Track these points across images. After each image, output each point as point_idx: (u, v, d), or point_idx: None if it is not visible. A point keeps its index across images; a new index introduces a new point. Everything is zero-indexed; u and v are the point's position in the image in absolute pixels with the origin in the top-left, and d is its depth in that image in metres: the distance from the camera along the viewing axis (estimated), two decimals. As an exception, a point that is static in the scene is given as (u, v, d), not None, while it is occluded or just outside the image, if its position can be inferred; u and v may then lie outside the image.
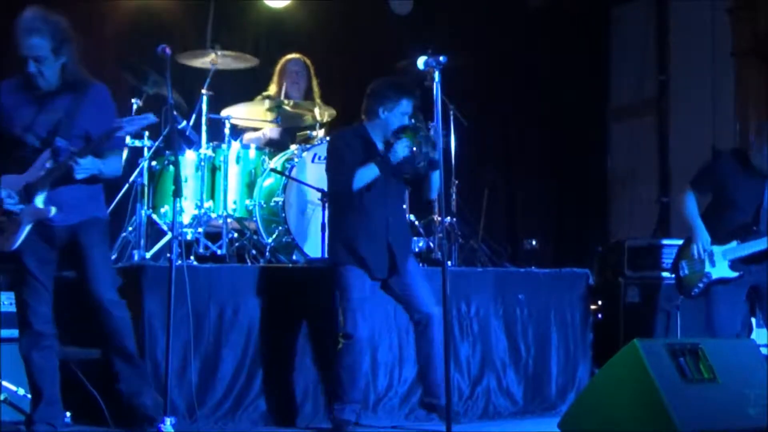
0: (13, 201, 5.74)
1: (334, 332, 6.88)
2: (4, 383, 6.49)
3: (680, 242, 7.59)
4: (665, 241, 8.75)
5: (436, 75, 6.24)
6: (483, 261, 8.46)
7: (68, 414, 6.51)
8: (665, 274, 8.42)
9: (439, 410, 6.76)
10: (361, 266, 6.67)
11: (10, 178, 5.79)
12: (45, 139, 5.83)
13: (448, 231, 7.77)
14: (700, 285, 7.26)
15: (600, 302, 8.85)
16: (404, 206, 7.09)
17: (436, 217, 7.97)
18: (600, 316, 8.77)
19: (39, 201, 5.79)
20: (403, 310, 6.99)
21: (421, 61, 6.37)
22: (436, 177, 6.78)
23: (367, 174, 6.60)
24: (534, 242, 9.53)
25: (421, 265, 7.42)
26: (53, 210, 5.79)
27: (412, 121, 6.68)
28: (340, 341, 6.65)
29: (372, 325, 6.86)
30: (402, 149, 6.63)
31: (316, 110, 8.48)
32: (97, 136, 5.83)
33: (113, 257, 7.93)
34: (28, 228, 5.79)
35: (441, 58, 6.26)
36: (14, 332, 6.81)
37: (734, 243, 7.22)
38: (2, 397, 6.53)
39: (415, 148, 6.58)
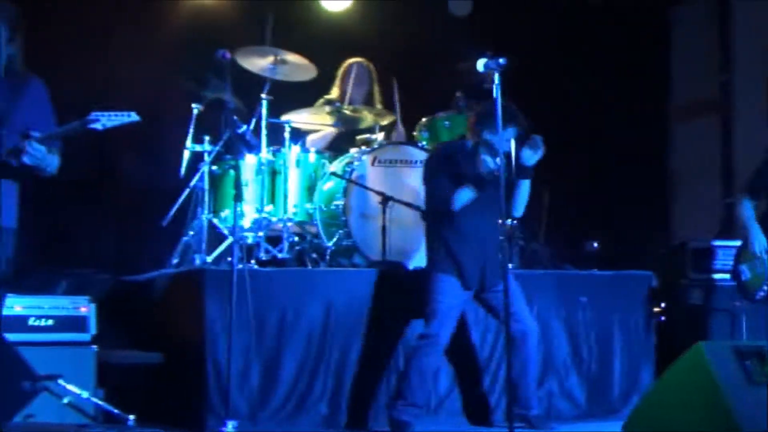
0: None
1: (397, 335, 6.88)
2: (68, 386, 6.54)
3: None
4: (728, 243, 8.64)
5: (496, 77, 6.21)
6: (544, 263, 8.41)
7: (132, 417, 6.56)
8: (728, 275, 8.31)
9: (529, 420, 6.83)
10: (457, 276, 6.72)
11: None
12: None
13: (509, 233, 7.72)
14: (765, 288, 7.18)
15: (663, 304, 8.76)
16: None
17: (498, 220, 7.93)
18: (663, 318, 8.67)
19: None
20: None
21: (480, 63, 6.34)
22: (525, 190, 6.90)
23: (466, 195, 6.70)
24: (595, 244, 9.46)
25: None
26: None
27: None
28: (419, 342, 6.65)
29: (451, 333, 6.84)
30: (486, 164, 6.72)
31: (377, 114, 8.49)
32: (68, 125, 5.70)
33: (174, 261, 7.99)
34: None
35: (501, 60, 6.22)
36: (75, 336, 6.90)
37: None
38: (65, 400, 6.58)
39: (499, 160, 6.62)
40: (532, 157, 6.76)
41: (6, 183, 5.71)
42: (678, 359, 5.95)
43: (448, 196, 6.69)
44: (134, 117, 5.80)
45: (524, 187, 6.90)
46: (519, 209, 7.04)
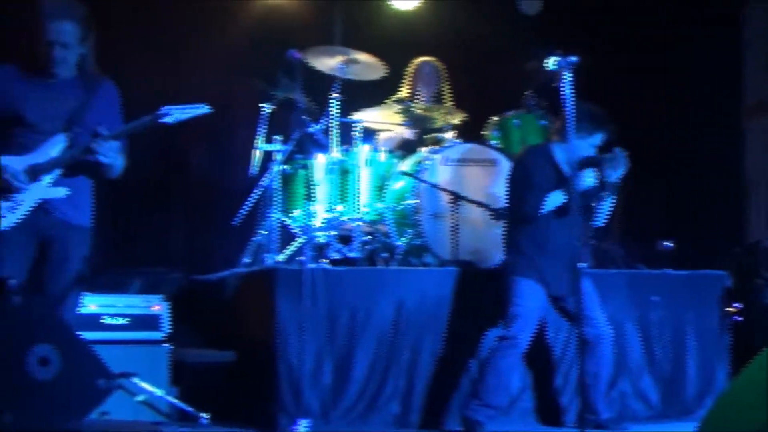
0: (22, 179, 5.57)
1: (469, 334, 6.86)
2: (142, 384, 6.60)
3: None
4: (805, 242, 8.54)
5: (567, 75, 6.17)
6: (617, 263, 8.34)
7: (205, 415, 6.60)
8: (804, 275, 8.22)
9: (600, 424, 6.79)
10: (539, 281, 6.69)
11: (11, 158, 5.60)
12: (59, 126, 5.69)
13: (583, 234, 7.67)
14: None
15: (737, 304, 8.65)
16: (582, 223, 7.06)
17: (580, 226, 7.89)
18: (737, 318, 8.57)
19: (46, 182, 5.64)
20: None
21: (551, 62, 6.30)
22: (608, 203, 6.90)
23: (554, 201, 6.67)
24: (668, 243, 9.37)
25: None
26: (63, 190, 5.65)
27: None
28: (499, 343, 6.64)
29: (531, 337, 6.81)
30: (588, 180, 6.72)
31: (447, 113, 8.48)
32: (139, 120, 5.73)
33: (246, 261, 8.03)
34: (29, 207, 5.61)
35: (571, 59, 6.19)
36: (148, 334, 6.95)
37: None
38: (140, 398, 6.64)
39: (599, 179, 6.62)
40: (613, 174, 6.75)
41: (81, 182, 5.78)
42: (753, 359, 5.86)
43: (536, 202, 6.65)
44: (205, 109, 5.82)
45: (608, 201, 6.92)
46: (600, 219, 7.05)
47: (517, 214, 6.82)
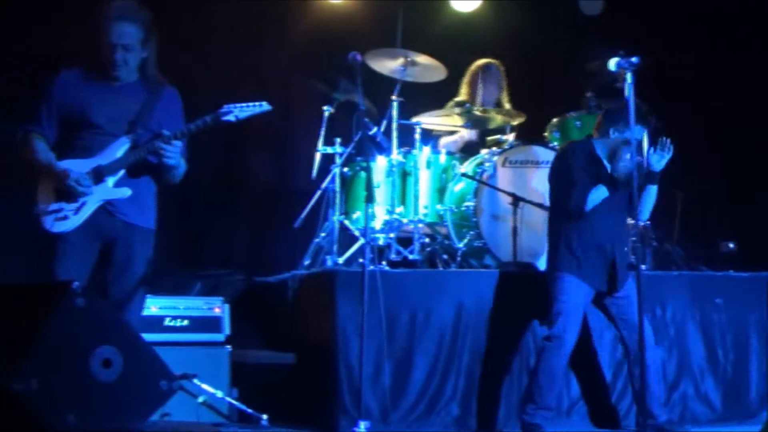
0: (87, 182, 5.62)
1: (528, 336, 6.84)
2: (203, 386, 6.63)
3: None
4: None
5: (629, 76, 6.14)
6: (678, 264, 8.28)
7: (265, 416, 6.63)
8: None
9: (660, 428, 6.71)
10: (582, 277, 6.65)
11: (75, 161, 5.67)
12: (122, 128, 5.74)
13: (642, 234, 7.63)
14: None
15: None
16: (628, 219, 7.00)
17: (630, 221, 7.84)
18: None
19: (110, 183, 5.69)
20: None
21: (612, 63, 6.27)
22: (653, 194, 6.84)
23: (597, 197, 6.65)
24: (731, 245, 9.28)
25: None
26: (126, 191, 5.70)
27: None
28: (545, 343, 6.62)
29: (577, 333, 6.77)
30: (624, 166, 6.65)
31: (507, 114, 8.46)
32: (201, 119, 5.76)
33: (306, 263, 8.05)
34: (93, 208, 5.66)
35: (633, 59, 6.15)
36: (209, 336, 7.00)
37: None
38: (201, 399, 6.68)
39: (635, 162, 6.56)
40: (659, 161, 6.70)
41: (145, 184, 5.84)
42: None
43: (580, 197, 6.62)
44: (266, 106, 5.86)
45: (651, 192, 6.85)
46: (646, 213, 7.01)
47: (562, 210, 6.79)
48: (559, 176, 6.85)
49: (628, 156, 6.61)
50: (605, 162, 6.75)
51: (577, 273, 6.65)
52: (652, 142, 6.76)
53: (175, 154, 5.71)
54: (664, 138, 6.71)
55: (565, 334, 6.59)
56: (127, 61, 5.74)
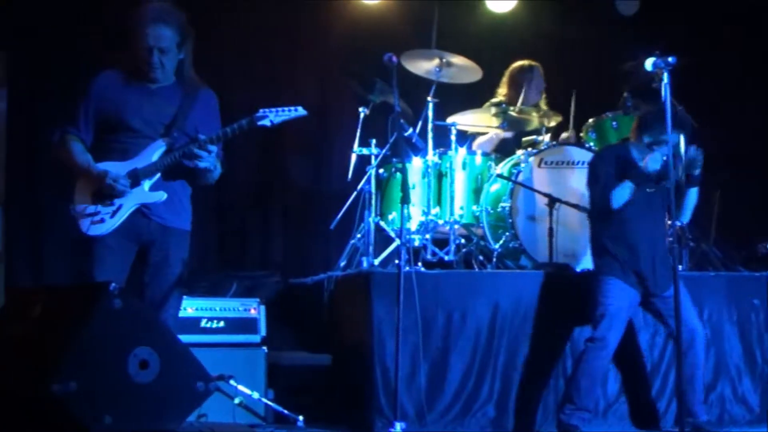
0: (123, 184, 5.65)
1: (565, 337, 6.82)
2: (239, 387, 6.66)
3: None
4: None
5: (665, 76, 6.11)
6: (715, 265, 8.23)
7: (301, 417, 6.64)
8: None
9: (700, 428, 6.68)
10: (625, 279, 6.65)
11: (112, 164, 5.70)
12: (159, 131, 5.77)
13: (679, 235, 7.59)
14: None
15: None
16: (667, 221, 6.99)
17: (667, 221, 7.81)
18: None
19: (146, 186, 5.72)
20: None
21: (649, 63, 6.24)
22: (693, 197, 6.86)
23: (622, 192, 6.63)
24: (768, 246, 9.21)
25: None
26: (162, 195, 5.72)
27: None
28: (588, 344, 6.61)
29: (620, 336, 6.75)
30: (653, 162, 6.62)
31: (543, 115, 8.44)
32: (237, 124, 5.77)
33: (342, 264, 8.06)
34: (130, 211, 5.69)
35: (670, 59, 6.12)
36: (245, 337, 7.02)
37: None
38: (237, 400, 6.70)
39: (665, 159, 6.54)
40: (694, 165, 6.70)
41: (180, 186, 5.86)
42: None
43: (604, 193, 6.65)
44: (301, 111, 5.87)
45: (692, 195, 6.87)
46: (686, 215, 7.01)
47: (596, 210, 6.80)
48: (592, 179, 6.87)
49: (657, 154, 6.60)
50: (640, 164, 6.73)
51: (621, 276, 6.65)
52: (692, 143, 6.73)
53: (209, 159, 5.73)
54: (697, 144, 6.71)
55: (609, 337, 6.58)
56: (164, 64, 5.77)
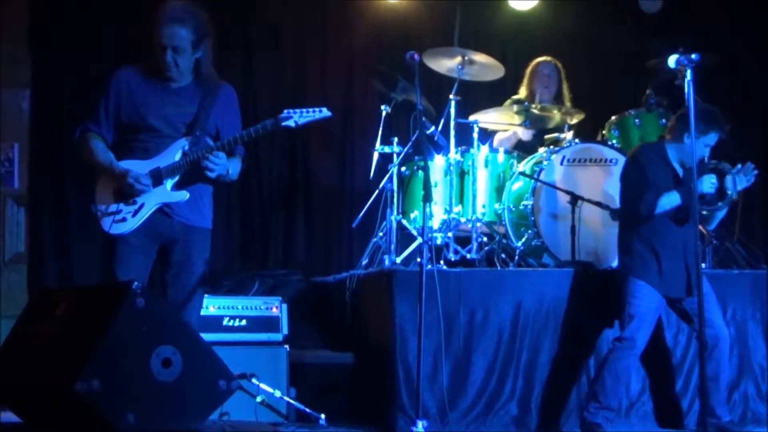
0: (146, 180, 5.67)
1: (588, 336, 6.80)
2: (261, 385, 6.66)
3: None
4: None
5: (688, 73, 6.09)
6: (739, 263, 8.20)
7: (323, 416, 6.64)
8: None
9: (723, 428, 6.66)
10: (653, 283, 6.64)
11: (134, 162, 5.73)
12: (180, 130, 5.79)
13: (702, 233, 7.56)
14: None
15: None
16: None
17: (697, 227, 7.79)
18: None
19: (168, 185, 5.74)
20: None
21: (672, 60, 6.22)
22: (724, 211, 6.90)
23: (670, 202, 6.60)
24: (793, 244, 9.17)
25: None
26: (184, 194, 5.74)
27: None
28: (615, 344, 6.60)
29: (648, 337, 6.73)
30: (708, 186, 6.63)
31: (565, 113, 8.41)
32: (261, 125, 5.78)
33: (364, 262, 8.06)
34: (151, 210, 5.70)
35: (693, 56, 6.10)
36: (267, 336, 7.03)
37: None
38: (259, 399, 6.71)
39: (718, 187, 6.56)
40: (740, 184, 6.76)
41: (202, 185, 5.87)
42: None
43: (652, 201, 6.58)
44: (326, 113, 5.88)
45: (722, 211, 6.94)
46: (714, 224, 7.06)
47: (632, 213, 6.75)
48: (631, 178, 6.79)
49: (713, 180, 6.60)
50: (677, 167, 6.71)
51: (649, 279, 6.63)
52: (724, 144, 6.71)
53: (218, 167, 5.74)
54: (749, 163, 6.70)
55: (636, 338, 6.57)
56: (178, 64, 5.77)
